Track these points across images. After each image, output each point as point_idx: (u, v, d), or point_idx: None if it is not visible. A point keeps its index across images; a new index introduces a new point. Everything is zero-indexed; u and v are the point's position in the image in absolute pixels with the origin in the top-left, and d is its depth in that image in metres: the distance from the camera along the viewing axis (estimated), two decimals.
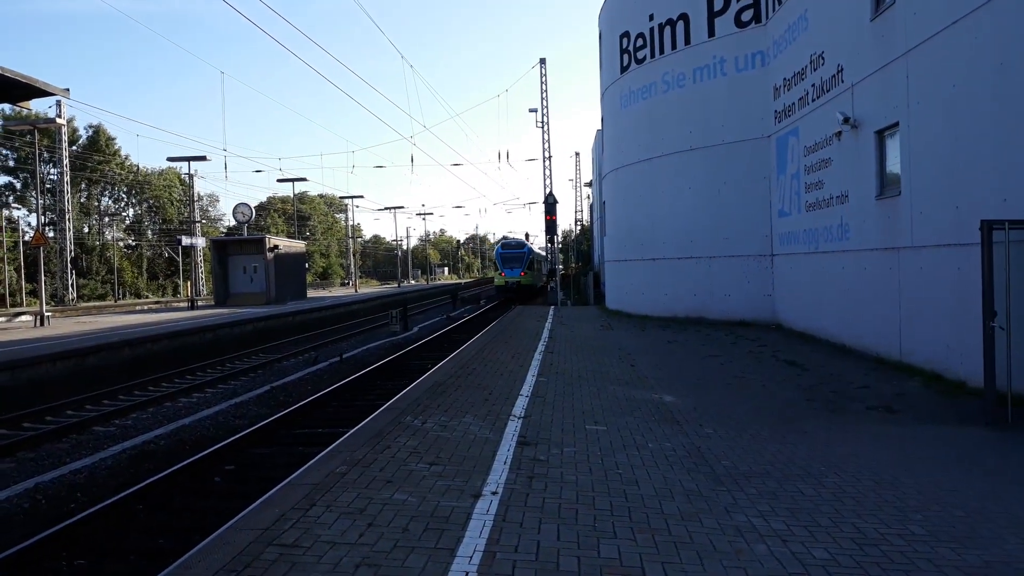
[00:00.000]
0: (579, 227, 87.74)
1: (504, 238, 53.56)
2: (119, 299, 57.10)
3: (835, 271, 14.94)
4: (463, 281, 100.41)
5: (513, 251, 45.07)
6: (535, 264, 45.68)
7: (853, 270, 13.99)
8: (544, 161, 38.61)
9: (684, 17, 21.12)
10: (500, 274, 44.89)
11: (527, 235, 55.25)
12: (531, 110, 38.87)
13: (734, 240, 20.23)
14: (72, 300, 45.63)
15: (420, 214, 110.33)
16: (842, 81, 14.29)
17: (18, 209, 60.00)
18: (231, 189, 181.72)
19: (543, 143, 38.34)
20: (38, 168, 30.42)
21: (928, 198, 10.99)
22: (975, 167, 9.65)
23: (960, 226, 9.99)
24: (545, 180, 38.50)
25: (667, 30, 21.70)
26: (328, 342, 24.99)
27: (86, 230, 62.93)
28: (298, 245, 43.13)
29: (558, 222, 34.36)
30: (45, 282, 28.62)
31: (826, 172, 15.37)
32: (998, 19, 9.06)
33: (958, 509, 5.36)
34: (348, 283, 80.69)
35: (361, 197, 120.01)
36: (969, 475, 6.27)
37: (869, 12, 12.92)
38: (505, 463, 6.60)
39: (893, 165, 12.49)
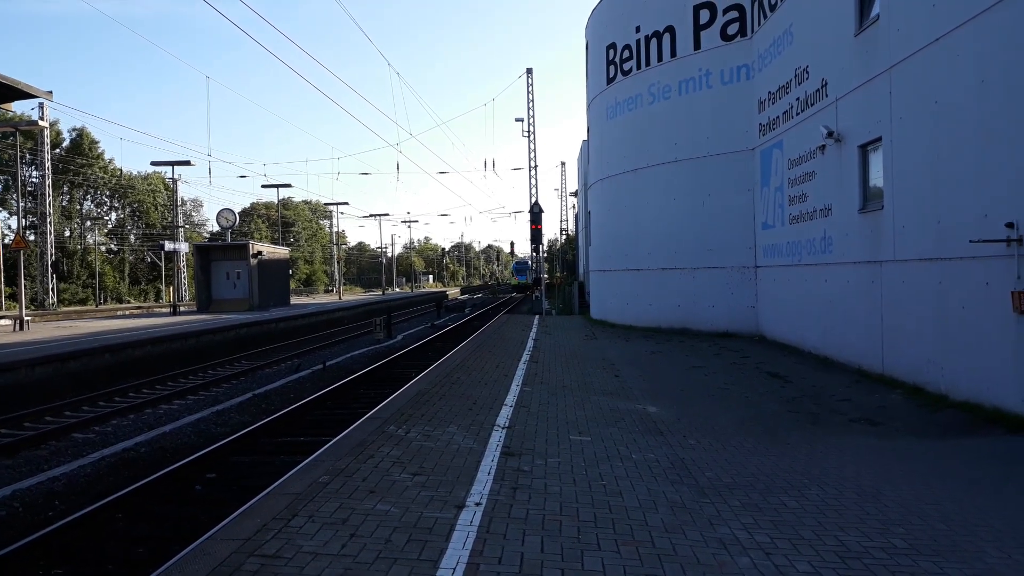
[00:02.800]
0: (564, 237, 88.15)
1: (516, 259, 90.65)
2: (100, 304, 56.58)
3: (818, 284, 15.06)
4: (448, 289, 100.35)
5: (522, 265, 79.66)
6: (532, 273, 69.23)
7: (835, 283, 14.10)
8: (530, 171, 38.73)
9: (670, 29, 21.28)
10: (515, 278, 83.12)
11: (512, 243, 75.64)
12: (517, 119, 38.96)
13: (718, 252, 20.34)
14: (52, 304, 45.14)
15: (405, 221, 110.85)
16: (826, 95, 14.43)
17: None
18: (215, 194, 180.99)
19: (529, 152, 38.45)
20: (19, 171, 30.08)
21: (910, 212, 11.10)
22: (957, 182, 9.76)
23: (942, 240, 10.09)
24: (531, 189, 38.60)
25: (653, 42, 21.85)
26: (311, 349, 24.85)
27: (68, 234, 62.34)
28: (282, 251, 42.92)
29: (544, 231, 34.42)
30: (25, 286, 28.29)
31: (809, 185, 15.50)
32: (980, 36, 9.18)
33: (940, 522, 5.39)
34: (332, 290, 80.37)
35: (346, 204, 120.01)
36: (950, 488, 6.32)
37: (853, 28, 13.06)
38: (489, 474, 6.57)
39: (876, 179, 12.61)
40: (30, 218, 52.77)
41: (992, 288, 8.90)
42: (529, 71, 38.17)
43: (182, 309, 38.90)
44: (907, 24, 11.12)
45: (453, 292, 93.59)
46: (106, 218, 70.52)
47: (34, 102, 36.22)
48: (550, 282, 54.46)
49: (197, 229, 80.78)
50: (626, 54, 23.05)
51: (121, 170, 68.84)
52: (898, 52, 11.35)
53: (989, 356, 9.03)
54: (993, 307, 8.87)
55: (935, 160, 10.29)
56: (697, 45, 20.63)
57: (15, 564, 6.31)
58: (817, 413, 9.82)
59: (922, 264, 10.72)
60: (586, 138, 32.49)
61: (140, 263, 69.95)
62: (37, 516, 7.87)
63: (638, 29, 22.43)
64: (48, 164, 45.81)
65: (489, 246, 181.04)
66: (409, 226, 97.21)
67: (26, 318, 25.26)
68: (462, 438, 7.98)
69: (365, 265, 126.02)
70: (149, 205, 70.75)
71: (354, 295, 73.47)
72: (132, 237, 70.70)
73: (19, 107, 45.98)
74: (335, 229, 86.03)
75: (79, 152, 62.62)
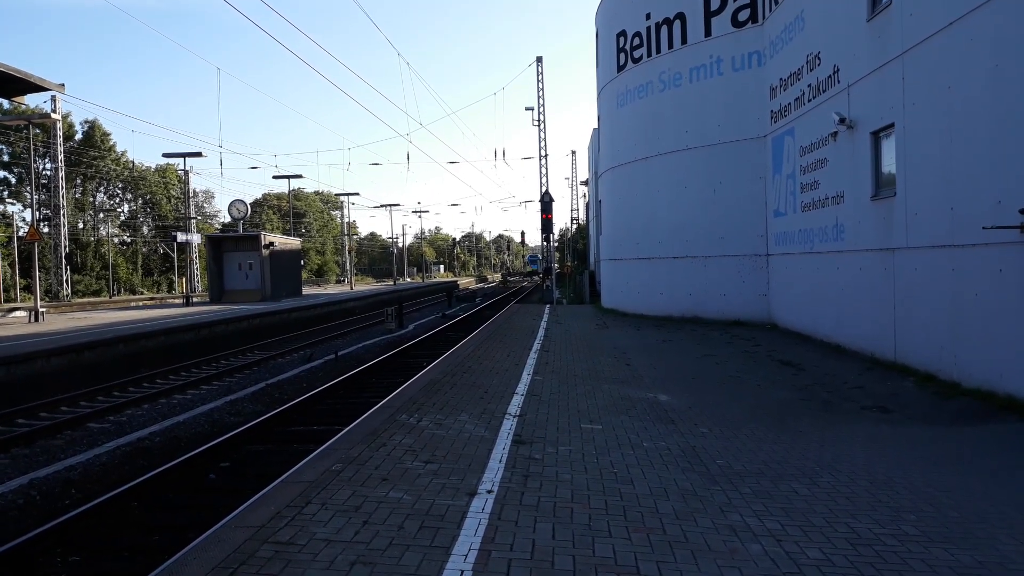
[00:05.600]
0: (575, 226, 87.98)
1: (530, 251, 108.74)
2: (114, 295, 56.97)
3: (830, 271, 14.98)
4: (459, 279, 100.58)
5: (534, 257, 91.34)
6: (543, 263, 74.89)
7: (848, 270, 14.02)
8: (540, 160, 38.60)
9: (681, 16, 21.14)
10: (529, 267, 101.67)
11: (522, 233, 78.76)
12: (528, 108, 38.84)
13: (730, 240, 20.27)
14: (67, 296, 45.49)
15: (416, 212, 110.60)
16: (838, 82, 14.32)
17: (13, 204, 59.64)
18: (227, 185, 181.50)
19: (539, 141, 38.31)
20: (33, 163, 30.28)
21: (923, 199, 11.02)
22: (970, 168, 9.67)
23: (954, 227, 10.02)
24: (541, 179, 38.49)
25: (664, 29, 21.72)
26: (323, 339, 24.95)
27: (81, 226, 62.63)
28: (293, 242, 43.04)
29: (554, 220, 34.38)
30: (40, 278, 28.54)
31: (821, 172, 15.40)
32: (994, 21, 9.07)
33: (952, 509, 5.38)
34: (344, 280, 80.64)
35: (357, 194, 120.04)
36: (963, 476, 6.30)
37: (866, 13, 12.94)
38: (500, 461, 6.61)
39: (888, 166, 12.52)
40: (44, 210, 53.09)
41: (1005, 275, 8.83)
42: (539, 59, 38.01)
43: (195, 300, 39.09)
44: (920, 8, 11.00)
45: (465, 282, 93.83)
46: (119, 210, 70.87)
47: (47, 95, 36.33)
48: (560, 271, 54.50)
49: (209, 220, 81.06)
50: (636, 41, 22.93)
51: (133, 162, 69.08)
52: (911, 37, 11.23)
53: (1002, 343, 8.97)
54: (1006, 294, 8.81)
55: (948, 146, 10.20)
56: (708, 32, 20.49)
57: (33, 551, 6.40)
58: (829, 401, 9.80)
59: (935, 251, 10.64)
60: (597, 127, 32.37)
61: (153, 254, 70.30)
62: (54, 504, 7.98)
63: (648, 16, 22.30)
64: (61, 157, 46.08)
65: (500, 236, 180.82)
66: (420, 216, 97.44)
67: (41, 309, 25.48)
68: (474, 426, 8.01)
69: (376, 255, 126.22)
70: (161, 197, 71.02)
71: (365, 285, 73.70)
72: (145, 229, 71.05)
73: (32, 100, 46.25)
74: (346, 220, 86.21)
75: (91, 144, 62.84)
